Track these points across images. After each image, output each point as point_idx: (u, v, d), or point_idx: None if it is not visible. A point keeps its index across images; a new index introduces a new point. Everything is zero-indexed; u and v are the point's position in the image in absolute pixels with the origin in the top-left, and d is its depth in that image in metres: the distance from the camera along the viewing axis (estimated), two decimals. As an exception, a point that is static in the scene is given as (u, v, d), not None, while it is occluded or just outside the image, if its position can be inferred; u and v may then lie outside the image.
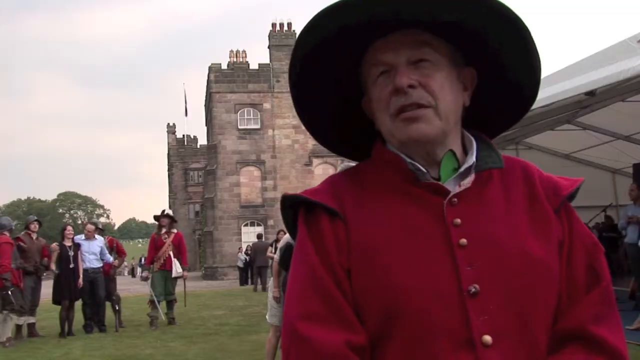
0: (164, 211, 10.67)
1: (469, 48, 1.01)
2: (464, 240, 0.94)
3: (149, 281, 10.44)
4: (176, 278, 10.37)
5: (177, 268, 10.27)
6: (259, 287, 18.83)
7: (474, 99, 1.05)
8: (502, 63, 1.02)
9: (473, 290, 0.91)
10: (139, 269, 26.11)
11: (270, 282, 5.64)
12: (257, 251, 19.98)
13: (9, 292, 8.42)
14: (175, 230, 10.61)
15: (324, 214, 0.99)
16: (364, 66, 1.04)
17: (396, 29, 0.98)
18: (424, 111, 0.96)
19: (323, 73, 1.03)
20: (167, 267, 10.20)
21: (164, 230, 10.37)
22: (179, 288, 10.62)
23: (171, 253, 10.27)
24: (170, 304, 10.37)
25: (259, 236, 21.51)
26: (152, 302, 10.20)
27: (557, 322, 0.95)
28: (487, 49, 1.01)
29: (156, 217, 10.66)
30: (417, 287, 0.91)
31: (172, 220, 10.64)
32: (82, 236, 10.01)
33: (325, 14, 0.94)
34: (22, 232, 9.72)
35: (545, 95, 5.96)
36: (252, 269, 21.51)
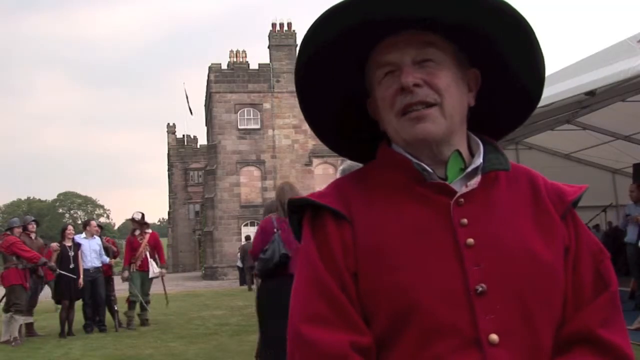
0: (133, 217, 10.64)
1: (473, 49, 1.01)
2: (471, 240, 0.94)
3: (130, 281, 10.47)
4: (152, 278, 10.43)
5: (154, 268, 10.34)
6: (253, 287, 18.85)
7: (478, 101, 1.05)
8: (506, 64, 1.02)
9: (480, 289, 0.91)
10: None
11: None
12: (246, 251, 20.02)
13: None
14: (149, 231, 10.69)
15: (329, 217, 0.99)
16: (369, 66, 1.04)
17: (400, 29, 0.98)
18: (430, 110, 0.96)
19: (327, 75, 1.03)
20: (144, 267, 10.27)
21: (138, 232, 10.43)
22: (159, 287, 10.56)
23: (147, 254, 10.31)
24: (143, 305, 10.35)
25: (247, 237, 21.64)
26: (130, 302, 10.24)
27: (564, 326, 0.96)
28: (491, 50, 1.01)
29: (134, 222, 10.64)
30: (425, 287, 0.91)
31: (143, 223, 10.64)
32: (82, 235, 10.00)
33: (329, 16, 0.94)
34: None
35: (545, 95, 5.89)
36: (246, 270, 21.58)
